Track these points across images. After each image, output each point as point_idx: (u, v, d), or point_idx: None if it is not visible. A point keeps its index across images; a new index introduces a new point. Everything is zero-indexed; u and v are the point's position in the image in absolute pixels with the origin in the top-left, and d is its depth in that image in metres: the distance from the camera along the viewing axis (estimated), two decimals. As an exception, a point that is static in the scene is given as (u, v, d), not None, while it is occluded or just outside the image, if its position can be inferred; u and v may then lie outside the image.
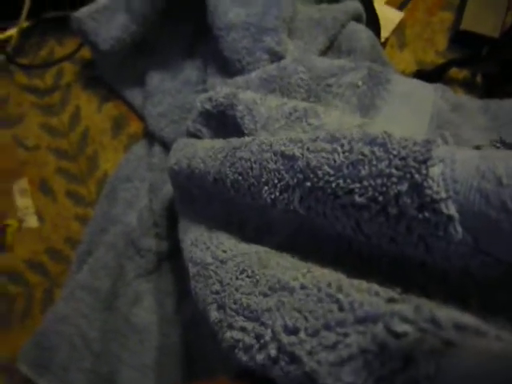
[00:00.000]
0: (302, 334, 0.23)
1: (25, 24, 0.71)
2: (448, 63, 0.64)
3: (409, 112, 0.51)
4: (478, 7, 0.65)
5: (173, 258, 0.61)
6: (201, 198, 0.48)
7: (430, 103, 0.52)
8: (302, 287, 0.26)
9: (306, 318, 0.24)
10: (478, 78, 0.64)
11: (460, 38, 0.66)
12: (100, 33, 0.62)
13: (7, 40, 0.72)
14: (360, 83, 0.52)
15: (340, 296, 0.23)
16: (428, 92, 0.54)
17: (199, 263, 0.37)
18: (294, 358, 0.23)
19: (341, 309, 0.22)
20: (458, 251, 0.24)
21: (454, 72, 0.65)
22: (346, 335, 0.21)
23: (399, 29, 0.68)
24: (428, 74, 0.63)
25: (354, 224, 0.29)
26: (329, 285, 0.25)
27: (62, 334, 0.59)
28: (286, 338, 0.24)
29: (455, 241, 0.23)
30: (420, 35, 0.68)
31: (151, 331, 0.60)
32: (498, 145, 0.39)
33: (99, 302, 0.59)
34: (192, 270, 0.39)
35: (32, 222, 0.68)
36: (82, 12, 0.62)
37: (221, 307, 0.31)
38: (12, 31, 0.71)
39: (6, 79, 0.74)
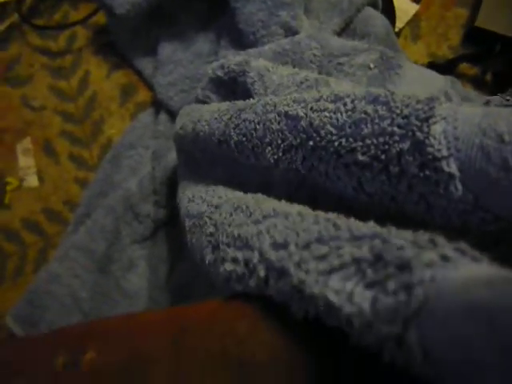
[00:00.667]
0: (291, 247, 0.23)
1: (41, -14, 0.71)
2: (459, 58, 0.64)
3: (418, 94, 0.51)
4: (493, 5, 0.65)
5: (169, 225, 0.62)
6: (204, 162, 0.48)
7: (440, 91, 0.52)
8: (299, 213, 0.26)
9: (297, 234, 0.24)
10: (488, 76, 0.65)
11: (473, 35, 0.66)
12: (117, -2, 0.62)
13: (22, 0, 0.72)
14: (372, 65, 0.52)
15: (338, 220, 0.23)
16: (439, 81, 0.54)
17: (195, 215, 0.37)
18: (282, 273, 0.23)
19: (337, 228, 0.22)
20: (457, 208, 0.24)
21: (465, 68, 0.65)
22: (339, 248, 0.21)
23: (414, 21, 0.68)
24: (439, 67, 0.63)
25: (356, 183, 0.29)
26: (327, 214, 0.25)
27: (54, 293, 0.59)
28: (274, 255, 0.24)
29: (455, 198, 0.24)
30: (434, 29, 0.68)
31: (142, 297, 0.60)
32: (508, 97, 0.39)
33: (93, 263, 0.60)
34: (188, 223, 0.39)
35: (32, 181, 0.68)
36: (100, -26, 0.62)
37: (215, 248, 0.31)
38: (28, -9, 0.71)
39: (19, 39, 0.74)
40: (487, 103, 0.38)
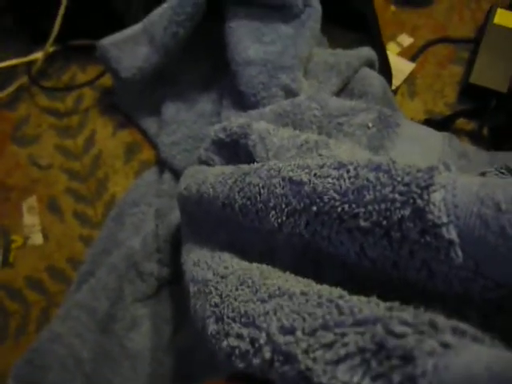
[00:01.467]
0: (298, 333, 0.23)
1: (51, 49, 0.73)
2: (456, 114, 0.66)
3: (417, 155, 0.52)
4: (487, 62, 0.67)
5: (173, 284, 0.61)
6: (207, 225, 0.48)
7: (438, 148, 0.53)
8: (303, 293, 0.27)
9: (303, 319, 0.24)
10: (485, 131, 0.66)
11: (469, 91, 0.68)
12: (123, 61, 0.64)
13: (32, 63, 0.75)
14: (370, 125, 0.54)
15: (340, 302, 0.24)
16: (436, 138, 0.55)
17: (200, 281, 0.38)
18: (288, 357, 0.23)
19: (341, 313, 0.23)
20: (459, 275, 0.24)
21: (462, 123, 0.67)
22: (343, 335, 0.21)
23: (410, 79, 0.71)
24: (436, 124, 0.65)
25: (359, 248, 0.30)
26: (330, 293, 0.25)
27: (55, 353, 0.58)
28: (281, 338, 0.24)
29: (456, 265, 0.24)
30: (430, 86, 0.70)
31: (145, 357, 0.59)
32: (503, 170, 0.40)
33: (95, 322, 0.59)
34: (192, 288, 0.39)
35: (37, 239, 0.69)
36: (108, 40, 0.65)
37: (219, 319, 0.31)
38: (38, 55, 0.74)
39: (27, 100, 0.76)
40: (483, 174, 0.39)
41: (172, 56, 0.65)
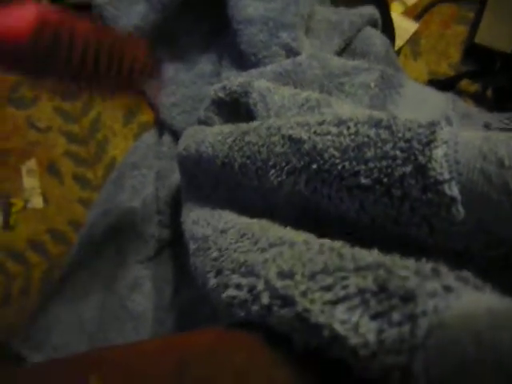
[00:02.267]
0: (297, 277, 0.23)
1: (47, 8, 0.72)
2: (460, 75, 0.64)
3: (420, 116, 0.51)
4: (492, 22, 0.65)
5: (174, 245, 0.62)
6: (206, 184, 0.48)
7: (441, 109, 0.52)
8: (305, 242, 0.27)
9: (303, 264, 0.24)
10: (489, 92, 0.65)
11: (473, 52, 0.67)
12: (119, 20, 0.63)
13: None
14: (372, 85, 0.53)
15: (342, 250, 0.24)
16: (439, 99, 0.54)
17: (200, 238, 0.38)
18: (286, 300, 0.23)
19: (342, 259, 0.23)
20: (460, 232, 0.24)
21: (466, 84, 0.66)
22: (344, 278, 0.21)
23: (414, 39, 0.69)
24: (440, 84, 0.64)
25: (359, 206, 0.29)
26: (332, 243, 0.25)
27: (58, 313, 0.59)
28: (279, 283, 0.24)
29: (457, 221, 0.24)
30: (434, 47, 0.69)
31: (147, 318, 0.60)
32: (506, 121, 0.40)
33: (98, 284, 0.60)
34: (192, 246, 0.39)
35: (37, 202, 0.69)
36: (104, -1, 0.63)
37: (219, 272, 0.31)
38: (33, 14, 0.72)
39: (23, 61, 0.75)
40: (487, 126, 0.38)
41: (170, 15, 0.63)
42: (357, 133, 0.29)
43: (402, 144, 0.27)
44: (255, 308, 0.25)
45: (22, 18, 0.33)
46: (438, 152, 0.25)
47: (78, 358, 0.27)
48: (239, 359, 0.23)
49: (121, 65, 0.40)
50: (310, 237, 0.29)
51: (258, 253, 0.28)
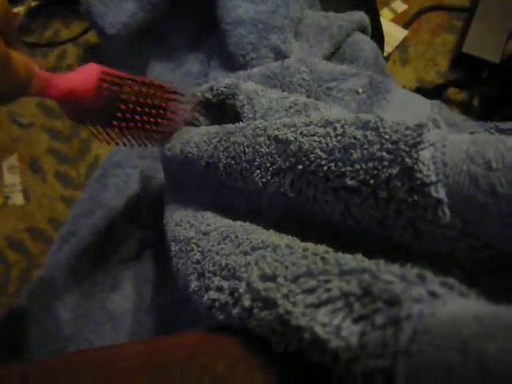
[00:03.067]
0: (280, 279, 0.23)
1: (33, 3, 0.71)
2: (447, 83, 0.65)
3: (406, 121, 0.51)
4: (480, 32, 0.66)
5: (155, 246, 0.61)
6: (190, 185, 0.48)
7: (427, 116, 0.52)
8: (288, 246, 0.26)
9: (286, 267, 0.23)
10: (475, 101, 0.65)
11: (461, 61, 0.67)
12: (107, 17, 0.62)
13: (14, 17, 0.72)
14: (360, 90, 0.53)
15: (326, 255, 0.23)
16: (426, 106, 0.54)
17: (182, 240, 0.37)
18: (267, 303, 0.22)
19: (326, 263, 0.22)
20: (445, 235, 0.24)
21: (453, 93, 0.66)
22: (327, 281, 0.21)
23: (402, 46, 0.69)
24: (427, 92, 0.64)
25: (344, 208, 0.29)
26: (316, 248, 0.25)
27: (35, 313, 0.58)
28: (261, 285, 0.23)
29: (443, 224, 0.23)
30: (422, 54, 0.69)
31: (126, 319, 0.59)
32: (493, 131, 0.40)
33: (76, 284, 0.59)
34: (174, 248, 0.38)
35: (17, 199, 0.68)
36: (92, -6, 0.62)
37: (200, 275, 0.31)
38: (19, 8, 0.71)
39: (8, 56, 0.74)
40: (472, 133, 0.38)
41: (159, 13, 0.63)
42: (343, 134, 0.29)
43: (388, 145, 0.26)
44: (236, 311, 0.25)
45: (86, 77, 0.38)
46: (425, 154, 0.24)
47: (53, 362, 0.26)
48: (220, 365, 0.23)
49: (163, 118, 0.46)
50: (293, 240, 0.28)
51: (240, 256, 0.28)
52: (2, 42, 0.30)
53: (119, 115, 0.42)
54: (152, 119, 0.45)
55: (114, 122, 0.42)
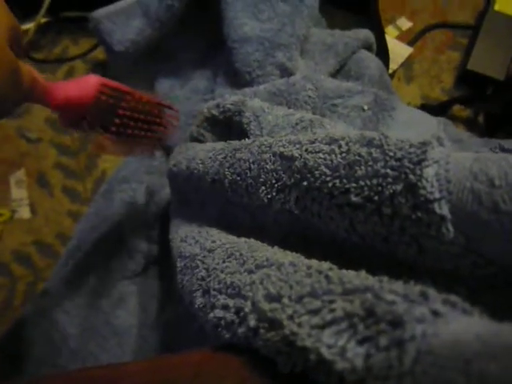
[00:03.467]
0: (284, 300, 0.23)
1: (42, 20, 0.72)
2: (452, 100, 0.65)
3: (411, 138, 0.52)
4: (485, 49, 0.66)
5: (161, 262, 0.61)
6: (196, 201, 0.48)
7: (432, 133, 0.53)
8: (292, 264, 0.26)
9: (290, 287, 0.24)
10: (480, 118, 0.66)
11: (466, 78, 0.68)
12: (116, 34, 0.63)
13: (23, 34, 0.74)
14: (365, 107, 0.53)
15: (330, 273, 0.23)
16: (431, 123, 0.55)
17: (187, 256, 0.37)
18: (273, 324, 0.23)
19: (330, 282, 0.22)
20: (449, 251, 0.24)
21: (458, 110, 0.66)
22: (331, 302, 0.21)
23: (407, 63, 0.70)
24: (432, 109, 0.64)
25: (348, 224, 0.29)
26: (319, 265, 0.25)
27: (41, 327, 0.58)
28: (266, 306, 0.24)
29: (447, 240, 0.24)
30: (427, 71, 0.69)
31: (131, 335, 0.59)
32: (497, 150, 0.40)
33: (82, 299, 0.59)
34: (180, 264, 0.38)
35: (24, 213, 0.68)
36: (100, 12, 0.63)
37: (205, 292, 0.31)
38: (29, 26, 0.72)
39: (17, 72, 0.75)
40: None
41: (167, 30, 0.63)
42: (348, 151, 0.29)
43: (393, 162, 0.27)
44: (241, 330, 0.25)
45: (85, 87, 0.40)
46: (429, 171, 0.25)
47: (58, 378, 0.26)
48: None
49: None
50: (298, 257, 0.29)
51: (245, 274, 0.28)
52: (11, 52, 0.31)
53: (112, 129, 0.43)
54: (143, 133, 0.47)
55: (106, 134, 0.43)
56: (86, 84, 0.40)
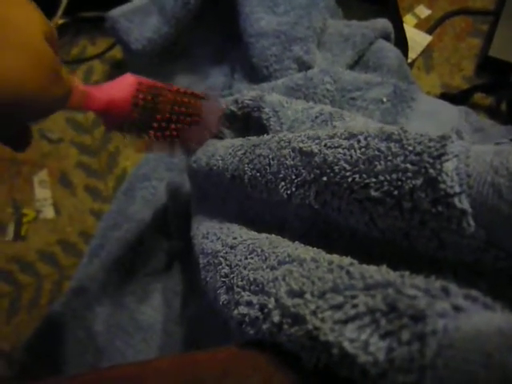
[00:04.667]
0: (307, 296, 0.23)
1: (60, 21, 0.73)
2: (473, 88, 0.64)
3: (432, 130, 0.51)
4: (506, 35, 0.65)
5: (184, 258, 0.61)
6: (216, 197, 0.48)
7: (453, 123, 0.52)
8: (313, 260, 0.26)
9: (313, 283, 0.24)
10: (503, 106, 0.64)
11: (487, 65, 0.66)
12: (132, 32, 0.63)
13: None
14: (385, 99, 0.53)
15: (351, 268, 0.23)
16: (452, 113, 0.54)
17: (210, 253, 0.37)
18: (297, 319, 0.23)
19: (351, 277, 0.22)
20: (470, 245, 0.24)
21: (479, 98, 0.65)
22: (353, 297, 0.21)
23: (427, 52, 0.69)
24: (453, 98, 0.64)
25: (369, 219, 0.29)
26: (340, 260, 0.25)
27: (67, 325, 0.59)
28: (289, 301, 0.24)
29: (468, 235, 0.23)
30: (447, 59, 0.68)
31: (156, 330, 0.60)
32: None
33: (107, 296, 0.60)
34: (202, 261, 0.39)
35: (49, 213, 0.69)
36: (117, 11, 0.64)
37: (229, 289, 0.31)
38: (48, 27, 0.73)
39: (37, 73, 0.76)
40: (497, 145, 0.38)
41: (183, 27, 0.64)
42: (367, 146, 0.29)
43: (412, 157, 0.26)
44: (266, 326, 0.25)
45: (124, 87, 0.40)
46: (449, 165, 0.24)
47: (88, 377, 0.26)
48: (254, 382, 0.23)
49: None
50: (319, 253, 0.29)
51: (267, 270, 0.29)
52: (51, 50, 0.32)
53: (155, 125, 0.43)
54: (186, 126, 0.46)
55: (151, 131, 0.43)
56: (124, 83, 0.41)
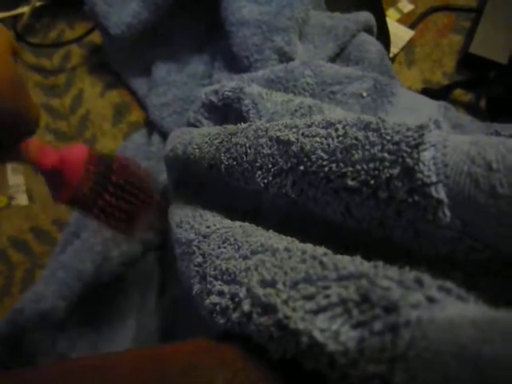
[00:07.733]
0: (279, 286, 0.23)
1: (37, 3, 0.71)
2: (454, 84, 0.64)
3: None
4: (488, 32, 0.65)
5: (159, 248, 0.61)
6: (193, 186, 0.47)
7: (431, 120, 0.52)
8: (286, 249, 0.26)
9: (285, 273, 0.24)
10: (482, 103, 0.65)
11: (468, 61, 0.66)
12: (112, 17, 0.62)
13: (18, 17, 0.73)
14: (365, 94, 0.52)
15: (324, 258, 0.23)
16: (431, 108, 0.54)
17: (184, 242, 0.37)
18: (267, 308, 0.23)
19: (324, 268, 0.22)
20: (445, 235, 0.24)
21: (459, 94, 0.65)
22: (326, 288, 0.21)
23: (409, 47, 0.69)
24: (433, 93, 0.64)
25: (344, 208, 0.29)
26: (314, 250, 0.25)
27: (39, 314, 0.58)
28: (261, 291, 0.24)
29: (443, 225, 0.23)
30: (429, 55, 0.68)
31: (129, 320, 0.59)
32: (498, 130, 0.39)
33: (80, 284, 0.58)
34: (178, 250, 0.38)
35: (22, 200, 0.68)
36: (96, -5, 0.62)
37: (202, 278, 0.31)
38: (24, 9, 0.71)
39: (13, 57, 0.74)
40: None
41: (163, 13, 0.62)
42: (345, 135, 0.29)
43: (390, 146, 0.26)
44: (235, 315, 0.25)
45: (76, 154, 0.40)
46: (426, 155, 0.24)
47: (52, 368, 0.26)
48: (219, 377, 0.22)
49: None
50: (292, 242, 0.28)
51: (240, 260, 0.28)
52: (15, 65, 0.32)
53: (106, 198, 0.42)
54: (135, 208, 0.45)
55: (95, 210, 0.42)
56: (77, 151, 0.41)
